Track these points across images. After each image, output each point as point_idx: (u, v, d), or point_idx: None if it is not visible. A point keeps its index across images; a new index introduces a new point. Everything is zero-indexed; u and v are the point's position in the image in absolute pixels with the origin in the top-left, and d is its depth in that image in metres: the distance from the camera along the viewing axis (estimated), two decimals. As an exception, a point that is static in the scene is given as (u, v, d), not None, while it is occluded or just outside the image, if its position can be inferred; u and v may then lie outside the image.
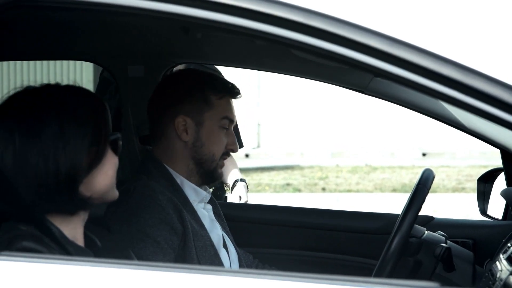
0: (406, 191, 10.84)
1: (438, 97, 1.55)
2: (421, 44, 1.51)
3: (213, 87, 2.43)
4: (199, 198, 2.45)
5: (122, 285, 1.49)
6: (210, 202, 2.56)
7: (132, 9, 1.65)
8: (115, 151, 1.85)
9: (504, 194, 2.47)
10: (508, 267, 2.07)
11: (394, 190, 11.58)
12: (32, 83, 1.84)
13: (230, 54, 2.88)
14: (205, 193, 2.48)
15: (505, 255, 2.17)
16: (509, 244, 2.24)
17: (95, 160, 1.80)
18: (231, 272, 1.53)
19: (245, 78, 12.16)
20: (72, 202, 1.78)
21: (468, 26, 1.58)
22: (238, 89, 2.47)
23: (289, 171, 13.32)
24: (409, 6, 1.62)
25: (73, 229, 1.80)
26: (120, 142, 1.87)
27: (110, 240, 2.01)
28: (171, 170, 2.40)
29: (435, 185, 11.47)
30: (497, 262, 2.21)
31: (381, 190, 11.74)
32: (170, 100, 2.40)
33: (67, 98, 1.81)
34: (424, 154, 14.97)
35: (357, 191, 11.60)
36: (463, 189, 11.73)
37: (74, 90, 1.86)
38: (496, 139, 2.75)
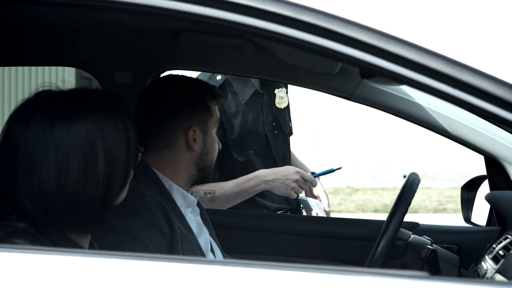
0: (387, 211, 10.86)
1: (426, 91, 1.57)
2: (409, 38, 1.53)
3: (211, 94, 2.44)
4: (186, 203, 2.46)
5: (114, 276, 1.49)
6: (197, 206, 2.56)
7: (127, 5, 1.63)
8: (135, 163, 1.82)
9: (488, 198, 2.50)
10: (494, 266, 2.10)
11: (376, 211, 11.63)
12: (12, 87, 1.77)
13: (218, 61, 2.91)
14: (193, 198, 2.48)
15: (491, 256, 2.20)
16: (494, 246, 2.27)
17: (126, 178, 1.77)
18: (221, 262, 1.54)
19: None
20: (97, 224, 1.75)
21: (455, 20, 1.61)
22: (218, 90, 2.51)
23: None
24: (397, 0, 1.65)
25: (80, 237, 1.77)
26: (140, 155, 1.84)
27: (99, 242, 2.01)
28: (160, 175, 2.40)
29: (416, 206, 11.53)
30: (483, 263, 2.24)
31: (363, 210, 11.78)
32: (178, 112, 2.39)
33: (105, 108, 1.72)
34: (405, 176, 14.98)
35: (339, 211, 11.62)
36: (444, 210, 11.80)
37: (108, 97, 1.77)
38: (479, 145, 2.79)
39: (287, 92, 3.47)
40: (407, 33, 1.54)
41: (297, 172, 3.14)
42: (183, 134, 2.39)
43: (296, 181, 3.11)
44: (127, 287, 1.46)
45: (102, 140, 1.68)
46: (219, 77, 3.31)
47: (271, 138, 3.42)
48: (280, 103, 3.43)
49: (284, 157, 3.47)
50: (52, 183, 1.64)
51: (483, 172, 3.02)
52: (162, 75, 2.97)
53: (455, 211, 11.21)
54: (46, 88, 1.73)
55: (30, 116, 1.67)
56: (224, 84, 3.31)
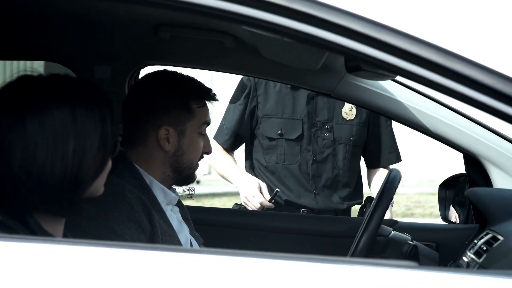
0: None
1: (417, 81, 1.57)
2: (401, 27, 1.53)
3: (195, 96, 2.40)
4: (167, 200, 2.44)
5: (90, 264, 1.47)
6: (177, 205, 2.54)
7: None
8: (112, 154, 1.82)
9: (468, 194, 2.51)
10: (477, 260, 2.11)
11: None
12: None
13: (199, 56, 2.88)
14: (174, 195, 2.46)
15: (472, 251, 2.21)
16: (475, 241, 2.28)
17: (101, 166, 1.76)
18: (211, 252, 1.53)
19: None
20: (68, 207, 1.74)
21: (447, 9, 1.61)
22: (214, 93, 2.45)
23: (238, 201, 13.27)
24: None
25: (53, 225, 1.76)
26: (119, 145, 1.84)
27: (79, 236, 1.98)
28: (141, 170, 2.38)
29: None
30: (464, 258, 2.25)
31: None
32: (153, 109, 2.36)
33: (82, 93, 1.74)
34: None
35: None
36: (412, 215, 11.88)
37: (87, 85, 1.78)
38: (458, 142, 2.80)
39: (364, 110, 3.49)
40: (398, 22, 1.54)
41: (249, 192, 3.38)
42: (154, 131, 2.36)
43: (245, 197, 3.38)
44: (101, 275, 1.45)
45: (74, 124, 1.68)
46: None
47: (315, 136, 3.49)
48: (347, 114, 3.48)
49: (325, 160, 3.51)
50: (20, 159, 1.65)
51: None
52: (153, 70, 2.95)
53: (423, 215, 11.29)
54: (28, 73, 1.75)
55: (5, 98, 1.69)
56: None
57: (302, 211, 3.45)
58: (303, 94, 3.47)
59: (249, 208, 3.36)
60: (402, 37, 1.52)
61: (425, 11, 1.59)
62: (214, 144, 3.53)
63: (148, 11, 2.53)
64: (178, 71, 2.46)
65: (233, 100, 3.59)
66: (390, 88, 2.82)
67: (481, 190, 2.53)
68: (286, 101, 3.49)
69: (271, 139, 3.52)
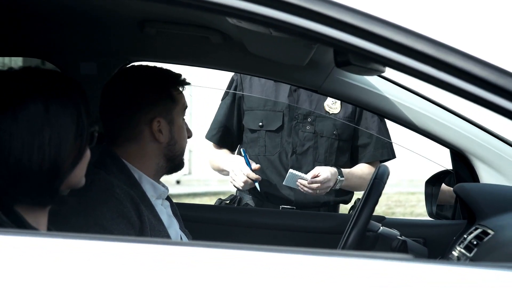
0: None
1: (410, 73, 1.56)
2: (394, 19, 1.53)
3: (174, 83, 2.42)
4: (157, 194, 2.43)
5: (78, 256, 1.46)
6: (167, 199, 2.54)
7: None
8: (90, 143, 1.82)
9: (457, 189, 2.51)
10: (468, 254, 2.11)
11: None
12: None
13: (185, 52, 2.87)
14: (163, 189, 2.46)
15: (462, 245, 2.21)
16: (465, 236, 2.28)
17: (78, 155, 1.77)
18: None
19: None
20: (48, 197, 1.74)
21: (440, 1, 1.61)
22: (184, 77, 2.48)
23: (221, 197, 13.28)
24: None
25: (36, 217, 1.75)
26: (96, 134, 1.84)
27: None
28: (129, 165, 2.37)
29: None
30: (453, 252, 2.25)
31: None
32: (141, 104, 2.36)
33: (53, 83, 1.75)
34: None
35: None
36: (393, 214, 11.92)
37: (58, 76, 1.79)
38: (445, 138, 2.81)
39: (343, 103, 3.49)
40: (392, 14, 1.54)
41: (236, 164, 3.41)
42: (147, 126, 2.36)
43: (232, 171, 3.42)
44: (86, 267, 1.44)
45: (47, 114, 1.69)
46: None
47: (296, 129, 3.48)
48: (330, 108, 3.48)
49: (305, 153, 3.50)
50: None
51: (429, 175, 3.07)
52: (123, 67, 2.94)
53: (403, 214, 11.34)
54: None
55: None
56: None
57: (282, 207, 3.44)
58: (285, 87, 3.48)
59: (236, 184, 3.39)
60: (394, 29, 1.53)
61: (418, 3, 1.59)
62: (206, 143, 3.65)
63: (134, 7, 2.52)
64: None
65: (223, 97, 3.61)
66: (377, 84, 2.82)
67: (469, 186, 2.53)
68: (269, 93, 3.50)
69: (252, 131, 3.54)
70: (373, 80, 2.82)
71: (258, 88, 3.52)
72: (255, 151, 3.54)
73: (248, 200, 3.54)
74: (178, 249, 1.51)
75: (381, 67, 1.95)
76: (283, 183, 3.34)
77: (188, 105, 2.49)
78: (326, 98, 3.47)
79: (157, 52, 2.89)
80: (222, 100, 3.62)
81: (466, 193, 2.44)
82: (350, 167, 3.55)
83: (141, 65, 2.49)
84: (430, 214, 3.02)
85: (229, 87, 3.60)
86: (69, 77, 1.81)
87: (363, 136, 3.55)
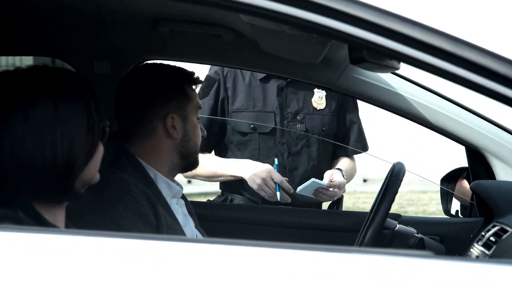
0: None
1: (428, 70, 1.55)
2: (412, 15, 1.52)
3: (188, 81, 2.42)
4: (172, 193, 2.43)
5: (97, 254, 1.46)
6: (182, 198, 2.54)
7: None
8: (102, 138, 1.82)
9: (474, 186, 2.50)
10: (487, 252, 2.09)
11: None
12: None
13: (198, 50, 2.87)
14: (178, 188, 2.46)
15: (480, 243, 2.20)
16: (482, 233, 2.26)
17: (91, 150, 1.77)
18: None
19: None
20: (64, 194, 1.75)
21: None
22: (197, 76, 2.48)
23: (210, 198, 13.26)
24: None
25: (54, 214, 1.76)
26: (108, 129, 1.84)
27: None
28: (144, 164, 2.37)
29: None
30: (472, 250, 2.24)
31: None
32: (155, 101, 2.36)
33: (61, 80, 1.76)
34: (365, 180, 15.10)
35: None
36: (405, 212, 11.90)
37: (66, 73, 1.80)
38: (461, 135, 2.79)
39: (334, 99, 3.45)
40: (409, 10, 1.52)
41: (268, 172, 3.21)
42: (161, 122, 2.36)
43: (263, 179, 3.21)
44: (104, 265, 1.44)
45: (57, 111, 1.70)
46: None
47: (288, 127, 3.41)
48: (317, 104, 3.43)
49: (300, 152, 3.43)
50: (9, 151, 1.67)
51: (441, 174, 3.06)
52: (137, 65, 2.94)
53: (416, 213, 11.32)
54: (4, 68, 1.77)
55: None
56: None
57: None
58: (273, 86, 3.39)
59: (266, 194, 3.22)
60: (411, 25, 1.51)
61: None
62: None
63: (148, 5, 2.52)
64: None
65: (201, 96, 3.40)
66: (392, 81, 2.81)
67: (487, 183, 2.52)
68: (256, 93, 3.40)
69: (243, 133, 3.41)
70: (387, 78, 2.81)
71: (244, 88, 3.40)
72: (246, 155, 3.41)
73: (240, 201, 3.41)
74: (194, 246, 1.50)
75: (395, 64, 1.94)
76: (298, 191, 3.21)
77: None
78: (313, 94, 3.41)
79: (170, 50, 2.89)
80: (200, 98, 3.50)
81: (484, 190, 2.43)
82: (330, 162, 3.52)
83: (154, 63, 2.51)
84: (445, 212, 3.01)
85: (209, 86, 3.41)
86: (76, 73, 1.83)
87: (344, 130, 3.51)
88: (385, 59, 1.87)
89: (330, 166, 3.50)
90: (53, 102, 1.70)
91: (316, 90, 3.41)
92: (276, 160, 3.31)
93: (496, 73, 1.51)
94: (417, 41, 1.51)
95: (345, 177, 3.33)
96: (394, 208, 11.86)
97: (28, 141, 1.67)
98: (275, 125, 3.39)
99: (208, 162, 3.38)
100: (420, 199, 12.51)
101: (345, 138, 3.51)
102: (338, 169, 3.37)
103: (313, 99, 3.42)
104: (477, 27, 1.55)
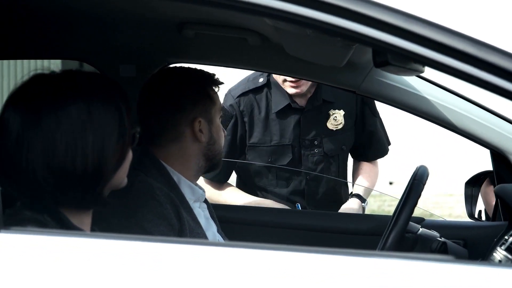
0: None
1: (452, 73, 1.55)
2: (435, 19, 1.52)
3: (210, 83, 2.44)
4: (195, 197, 2.45)
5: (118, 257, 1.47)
6: (204, 202, 2.55)
7: None
8: (131, 144, 1.83)
9: (498, 190, 2.48)
10: (510, 256, 2.08)
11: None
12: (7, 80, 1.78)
13: (223, 54, 2.88)
14: (201, 192, 2.47)
15: (504, 247, 2.19)
16: (506, 237, 2.25)
17: (121, 157, 1.77)
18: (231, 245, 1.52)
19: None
20: (92, 200, 1.76)
21: (482, 1, 1.60)
22: (218, 77, 2.49)
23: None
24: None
25: (81, 218, 1.77)
26: (138, 136, 1.85)
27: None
28: (168, 168, 2.39)
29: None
30: (495, 254, 2.22)
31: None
32: (182, 105, 2.38)
33: (94, 85, 1.76)
34: (391, 183, 15.05)
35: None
36: (431, 216, 11.82)
37: (99, 78, 1.80)
38: (486, 139, 2.77)
39: (351, 115, 3.48)
40: (432, 14, 1.53)
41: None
42: (188, 126, 2.38)
43: None
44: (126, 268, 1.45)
45: (90, 117, 1.69)
46: (261, 79, 3.42)
47: (305, 155, 3.45)
48: (333, 125, 3.45)
49: (317, 177, 3.47)
50: (40, 156, 1.66)
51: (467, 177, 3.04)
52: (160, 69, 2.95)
53: (441, 216, 11.26)
54: (40, 71, 1.77)
55: (20, 98, 1.71)
56: (264, 86, 3.42)
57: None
58: (289, 120, 3.42)
59: None
60: (435, 28, 1.51)
61: (459, 2, 1.58)
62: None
63: (173, 9, 2.53)
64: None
65: None
66: (416, 84, 2.80)
67: (510, 186, 2.50)
68: (273, 127, 3.43)
69: (258, 170, 3.47)
70: (412, 81, 2.80)
71: (260, 122, 3.44)
72: (262, 183, 3.48)
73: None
74: (216, 249, 1.51)
75: (420, 67, 1.94)
76: None
77: None
78: (329, 118, 3.44)
79: (195, 54, 2.90)
80: None
81: (508, 194, 2.41)
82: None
83: (178, 66, 2.51)
84: (470, 216, 2.99)
85: (225, 121, 3.44)
86: (110, 78, 1.82)
87: (363, 136, 3.53)
88: (409, 62, 1.87)
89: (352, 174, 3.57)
90: (86, 107, 1.69)
91: (332, 111, 3.44)
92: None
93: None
94: (440, 44, 1.52)
95: (364, 202, 3.38)
96: (420, 211, 11.88)
97: (59, 146, 1.67)
98: (293, 156, 3.42)
99: (231, 197, 3.44)
100: (446, 202, 12.44)
101: (365, 146, 3.55)
102: (357, 195, 3.40)
103: (328, 122, 3.45)
104: (501, 30, 1.54)
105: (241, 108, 3.43)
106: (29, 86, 1.72)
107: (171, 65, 2.57)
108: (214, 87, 2.46)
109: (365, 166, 3.58)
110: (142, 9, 2.54)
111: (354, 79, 2.79)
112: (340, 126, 3.44)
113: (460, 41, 1.51)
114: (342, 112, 3.44)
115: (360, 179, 3.55)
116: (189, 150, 2.40)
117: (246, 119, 3.44)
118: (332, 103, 3.43)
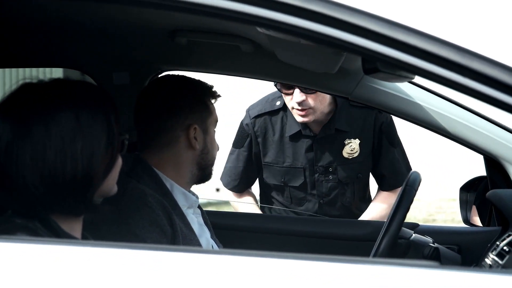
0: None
1: (435, 80, 1.55)
2: (419, 26, 1.53)
3: (208, 94, 2.46)
4: (188, 203, 2.45)
5: (112, 265, 1.48)
6: (198, 208, 2.56)
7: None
8: (120, 151, 1.84)
9: (490, 196, 2.49)
10: (500, 261, 2.09)
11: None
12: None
13: (216, 61, 2.89)
14: (194, 198, 2.48)
15: (495, 252, 2.20)
16: (497, 243, 2.26)
17: (110, 164, 1.79)
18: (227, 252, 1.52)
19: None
20: (82, 206, 1.76)
21: (465, 7, 1.60)
22: (216, 89, 2.51)
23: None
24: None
25: (71, 225, 1.78)
26: (127, 142, 1.86)
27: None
28: (161, 174, 2.39)
29: (406, 217, 11.55)
30: (486, 259, 2.23)
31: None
32: (178, 111, 2.39)
33: (82, 93, 1.77)
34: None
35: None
36: (433, 221, 11.81)
37: (87, 86, 1.81)
38: (479, 144, 2.77)
39: (368, 144, 3.50)
40: (416, 21, 1.53)
41: None
42: (183, 132, 2.39)
43: None
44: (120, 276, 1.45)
45: (78, 125, 1.71)
46: (278, 102, 3.48)
47: (319, 181, 3.50)
48: (348, 154, 3.48)
49: (332, 201, 3.53)
50: (30, 164, 1.68)
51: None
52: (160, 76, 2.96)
53: (445, 221, 11.23)
54: (28, 80, 1.78)
55: (9, 107, 1.72)
56: (281, 110, 3.49)
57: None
58: (302, 143, 3.48)
59: None
60: (419, 36, 1.52)
61: (442, 9, 1.59)
62: (225, 190, 3.68)
63: (165, 17, 2.54)
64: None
65: (236, 145, 3.59)
66: (409, 90, 2.81)
67: (503, 192, 2.50)
68: (286, 149, 3.50)
69: (275, 185, 3.57)
70: (405, 87, 2.80)
71: (274, 143, 3.52)
72: (280, 198, 3.58)
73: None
74: (210, 257, 1.52)
75: (410, 74, 1.95)
76: None
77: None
78: (344, 147, 3.47)
79: (188, 61, 2.91)
80: (235, 147, 3.61)
81: (500, 199, 2.42)
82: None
83: (177, 75, 2.53)
84: (464, 221, 2.99)
85: (242, 138, 3.57)
86: (97, 86, 1.84)
87: (380, 166, 3.56)
88: (399, 69, 1.88)
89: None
90: (74, 115, 1.71)
91: (347, 141, 3.47)
92: None
93: (503, 84, 1.51)
94: (423, 51, 1.52)
95: None
96: (423, 216, 11.87)
97: (49, 154, 1.68)
98: (305, 179, 3.49)
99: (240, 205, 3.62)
100: (449, 206, 12.42)
101: (382, 175, 3.58)
102: None
103: (344, 151, 3.48)
104: (484, 37, 1.55)
105: (255, 128, 3.52)
106: (18, 95, 1.74)
107: (170, 73, 2.57)
108: (211, 99, 2.47)
109: (381, 195, 3.62)
110: (135, 18, 2.55)
111: (347, 85, 2.80)
112: (355, 155, 3.48)
113: (444, 48, 1.51)
114: (357, 141, 3.48)
115: (370, 208, 3.60)
116: (182, 157, 2.41)
117: (260, 139, 3.53)
118: (347, 132, 3.47)
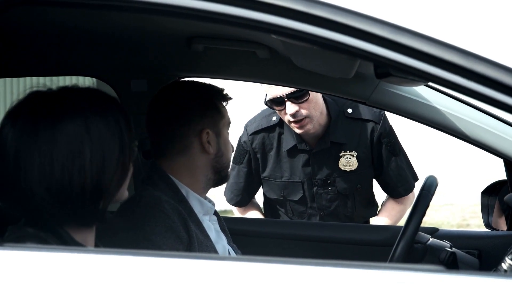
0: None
1: (440, 83, 1.55)
2: (423, 30, 1.52)
3: (219, 97, 2.47)
4: (204, 210, 2.45)
5: (123, 273, 1.48)
6: (214, 214, 2.56)
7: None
8: (131, 159, 1.82)
9: (509, 199, 2.47)
10: (515, 266, 2.07)
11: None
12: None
13: (232, 67, 2.89)
14: (210, 205, 2.48)
15: (511, 256, 2.17)
16: (515, 247, 2.24)
17: (124, 172, 1.76)
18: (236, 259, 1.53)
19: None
20: (94, 218, 1.75)
21: (469, 11, 1.59)
22: (227, 92, 2.52)
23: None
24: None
25: (84, 235, 1.77)
26: (136, 149, 1.84)
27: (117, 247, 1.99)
28: (176, 181, 2.40)
29: (440, 222, 11.44)
30: (503, 264, 2.21)
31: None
32: (190, 116, 2.40)
33: (90, 100, 1.74)
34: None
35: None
36: (467, 225, 11.70)
37: (95, 93, 1.78)
38: (498, 148, 2.74)
39: (367, 155, 3.50)
40: (420, 25, 1.53)
41: None
42: (196, 137, 2.40)
43: None
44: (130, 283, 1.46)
45: (88, 134, 1.68)
46: (274, 117, 3.51)
47: (318, 193, 3.51)
48: (345, 166, 3.48)
49: (334, 212, 3.53)
50: (37, 176, 1.65)
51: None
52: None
53: (478, 226, 11.11)
54: (36, 89, 1.75)
55: (17, 116, 1.70)
56: (277, 125, 3.51)
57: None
58: (298, 158, 3.49)
59: None
60: (422, 40, 1.51)
61: (446, 13, 1.58)
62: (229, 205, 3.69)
63: (182, 25, 2.55)
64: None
65: (235, 161, 3.62)
66: (426, 94, 2.79)
67: (520, 196, 2.48)
68: (283, 164, 3.52)
69: (276, 199, 3.59)
70: (422, 90, 2.78)
71: (272, 159, 3.55)
72: (282, 210, 3.60)
73: None
74: (226, 264, 1.52)
75: (419, 78, 1.93)
76: None
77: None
78: (339, 159, 3.46)
79: (205, 68, 2.92)
80: (235, 163, 3.62)
81: (518, 203, 2.40)
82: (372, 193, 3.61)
83: (186, 80, 2.54)
84: (486, 225, 2.97)
85: (241, 155, 3.60)
86: (107, 93, 1.81)
87: (384, 175, 3.55)
88: (408, 74, 1.87)
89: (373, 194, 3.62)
90: (83, 123, 1.68)
91: (342, 153, 3.47)
92: None
93: (508, 87, 1.50)
94: (427, 55, 1.52)
95: None
96: (456, 221, 11.75)
97: (56, 164, 1.65)
98: (304, 193, 3.51)
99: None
100: (484, 212, 12.27)
101: (387, 184, 3.57)
102: None
103: (340, 163, 3.47)
104: (488, 40, 1.54)
105: (253, 145, 3.56)
106: (26, 104, 1.72)
107: (180, 80, 2.59)
108: (223, 102, 2.47)
109: (389, 203, 3.63)
110: (152, 26, 2.56)
111: (364, 90, 2.79)
112: (353, 167, 3.47)
113: (447, 51, 1.50)
114: (354, 153, 3.47)
115: (378, 217, 3.61)
116: (197, 162, 2.41)
117: (258, 155, 3.56)
118: (343, 145, 3.47)
